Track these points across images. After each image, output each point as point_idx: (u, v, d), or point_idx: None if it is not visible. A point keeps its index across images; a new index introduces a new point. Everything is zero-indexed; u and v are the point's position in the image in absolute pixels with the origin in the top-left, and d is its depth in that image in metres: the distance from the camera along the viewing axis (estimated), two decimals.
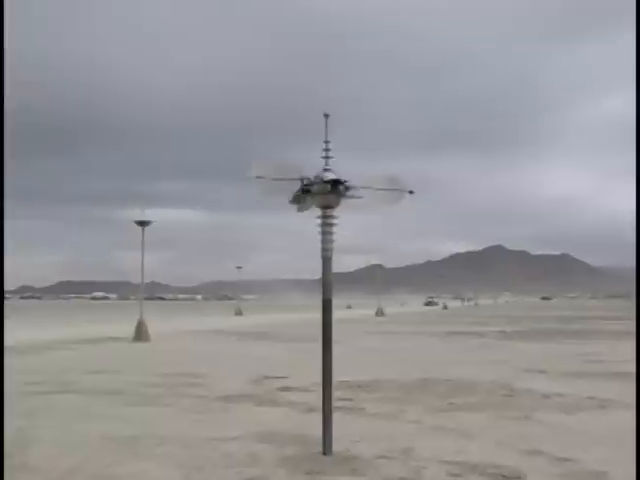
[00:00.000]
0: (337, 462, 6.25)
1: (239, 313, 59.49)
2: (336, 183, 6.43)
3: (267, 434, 7.56)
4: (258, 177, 6.40)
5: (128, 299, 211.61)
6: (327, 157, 6.58)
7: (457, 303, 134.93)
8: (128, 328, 25.67)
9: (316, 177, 6.49)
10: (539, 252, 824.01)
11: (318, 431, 7.43)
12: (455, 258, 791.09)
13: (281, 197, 6.59)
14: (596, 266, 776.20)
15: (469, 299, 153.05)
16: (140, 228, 24.98)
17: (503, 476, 5.73)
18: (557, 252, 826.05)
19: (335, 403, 10.20)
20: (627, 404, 9.69)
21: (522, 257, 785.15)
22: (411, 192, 6.54)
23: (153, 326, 25.19)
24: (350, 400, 9.95)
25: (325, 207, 6.57)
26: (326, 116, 6.57)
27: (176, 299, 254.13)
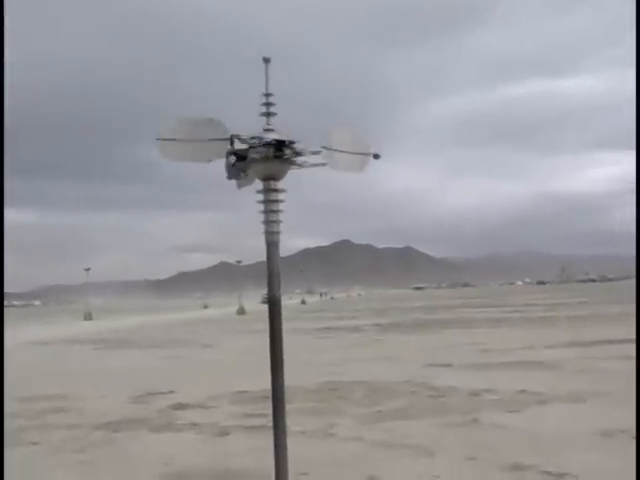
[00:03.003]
0: None
1: (89, 318, 54.87)
2: (281, 146, 4.90)
3: (184, 475, 5.90)
4: (160, 139, 4.73)
5: None
6: (269, 114, 5.01)
7: (313, 298, 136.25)
8: None
9: (254, 138, 4.92)
10: (384, 245, 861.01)
11: (249, 463, 5.95)
12: (305, 253, 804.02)
13: (206, 164, 4.96)
14: (438, 257, 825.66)
15: (325, 293, 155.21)
16: None
17: None
18: (401, 245, 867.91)
19: (246, 421, 8.68)
20: (561, 397, 9.10)
21: (368, 251, 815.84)
22: (376, 156, 5.16)
23: None
24: (264, 416, 8.44)
25: (268, 178, 5.01)
26: (266, 61, 5.00)
27: (12, 305, 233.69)
